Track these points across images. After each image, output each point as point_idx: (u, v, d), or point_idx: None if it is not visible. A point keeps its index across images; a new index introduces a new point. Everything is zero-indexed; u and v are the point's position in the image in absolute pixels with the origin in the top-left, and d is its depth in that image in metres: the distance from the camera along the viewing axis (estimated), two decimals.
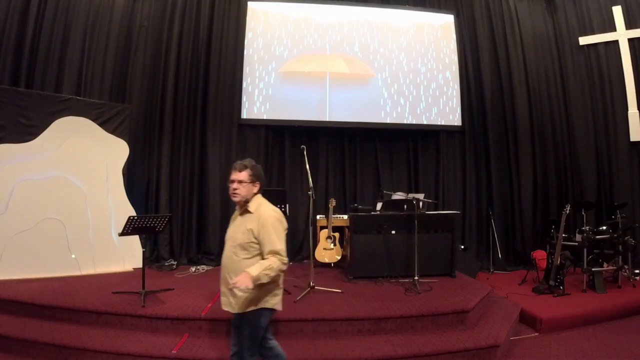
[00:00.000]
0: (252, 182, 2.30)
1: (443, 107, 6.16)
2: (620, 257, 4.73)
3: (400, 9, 6.27)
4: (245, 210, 2.32)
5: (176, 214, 5.40)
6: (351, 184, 6.13)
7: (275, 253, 2.20)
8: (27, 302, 3.41)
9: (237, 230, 2.30)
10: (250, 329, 2.28)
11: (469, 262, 5.19)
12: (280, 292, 2.36)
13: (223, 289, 2.34)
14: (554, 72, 6.27)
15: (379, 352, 2.93)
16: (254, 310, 2.25)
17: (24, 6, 4.91)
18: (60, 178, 4.47)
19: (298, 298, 3.65)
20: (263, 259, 2.21)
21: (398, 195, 4.90)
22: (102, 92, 5.33)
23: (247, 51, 5.81)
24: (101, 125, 4.77)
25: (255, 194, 2.34)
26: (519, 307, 3.94)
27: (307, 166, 4.11)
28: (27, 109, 4.37)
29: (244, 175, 2.29)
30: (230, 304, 2.29)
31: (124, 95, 5.49)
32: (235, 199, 2.31)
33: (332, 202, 5.16)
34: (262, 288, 2.22)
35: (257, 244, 2.23)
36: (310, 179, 4.05)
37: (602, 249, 4.74)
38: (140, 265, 3.73)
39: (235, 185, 2.29)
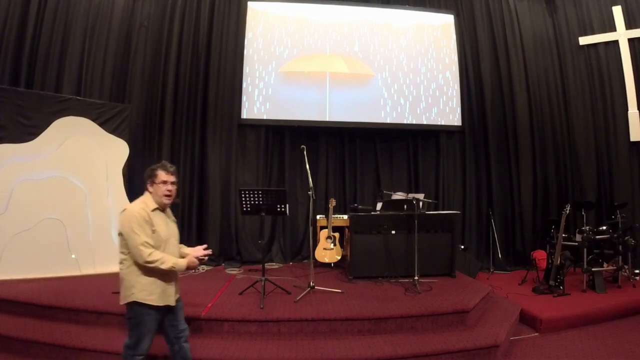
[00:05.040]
0: None
1: (443, 107, 6.16)
2: (620, 257, 4.72)
3: (400, 9, 6.27)
4: (166, 208, 2.47)
5: (176, 214, 5.36)
6: (351, 184, 6.13)
7: None
8: (27, 302, 3.41)
9: (173, 226, 2.53)
10: None
11: (469, 262, 5.20)
12: None
13: (174, 285, 2.44)
14: (554, 72, 6.27)
15: (379, 352, 2.93)
16: None
17: (24, 6, 4.91)
18: (60, 178, 4.47)
19: (298, 298, 3.66)
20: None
21: (398, 195, 4.89)
22: (102, 92, 5.33)
23: (247, 51, 5.81)
24: (101, 125, 4.76)
25: None
26: (519, 307, 3.94)
27: (307, 166, 4.12)
28: (27, 109, 4.37)
29: (175, 177, 2.41)
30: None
31: (124, 95, 5.49)
32: (170, 201, 2.39)
33: (332, 202, 5.16)
34: None
35: None
36: (310, 179, 4.06)
37: (602, 249, 4.74)
38: None
39: (174, 187, 2.39)
